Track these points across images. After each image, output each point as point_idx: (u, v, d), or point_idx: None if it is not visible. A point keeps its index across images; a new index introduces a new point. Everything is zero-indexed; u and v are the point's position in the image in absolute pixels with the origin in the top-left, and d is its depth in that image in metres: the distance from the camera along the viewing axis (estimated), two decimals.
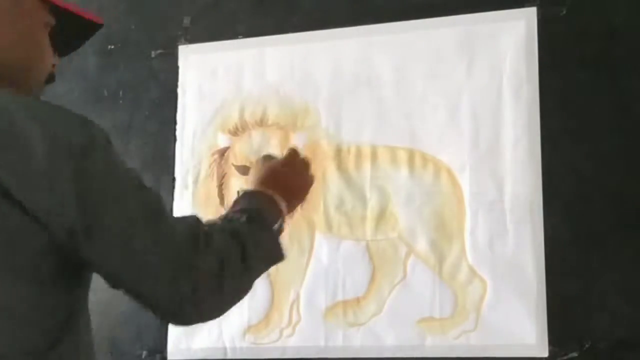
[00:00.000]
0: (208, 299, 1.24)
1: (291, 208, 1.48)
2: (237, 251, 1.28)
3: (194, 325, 2.25)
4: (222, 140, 2.29)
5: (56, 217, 1.11)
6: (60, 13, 1.36)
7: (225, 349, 2.19)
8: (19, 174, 1.10)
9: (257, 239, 1.33)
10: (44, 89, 1.35)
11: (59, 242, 1.13)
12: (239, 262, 1.28)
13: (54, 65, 1.36)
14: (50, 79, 1.36)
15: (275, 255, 1.39)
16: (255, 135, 2.26)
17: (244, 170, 2.23)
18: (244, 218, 1.35)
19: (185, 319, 1.27)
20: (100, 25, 1.44)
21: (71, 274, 1.17)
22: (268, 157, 1.55)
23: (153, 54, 2.41)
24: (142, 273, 1.18)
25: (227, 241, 1.28)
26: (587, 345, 1.93)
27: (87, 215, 1.13)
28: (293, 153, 1.55)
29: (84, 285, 1.23)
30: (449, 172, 2.10)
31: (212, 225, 1.30)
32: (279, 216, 1.42)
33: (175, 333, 2.23)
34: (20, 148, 1.11)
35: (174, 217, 1.26)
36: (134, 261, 1.17)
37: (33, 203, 1.10)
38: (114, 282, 1.21)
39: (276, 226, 1.40)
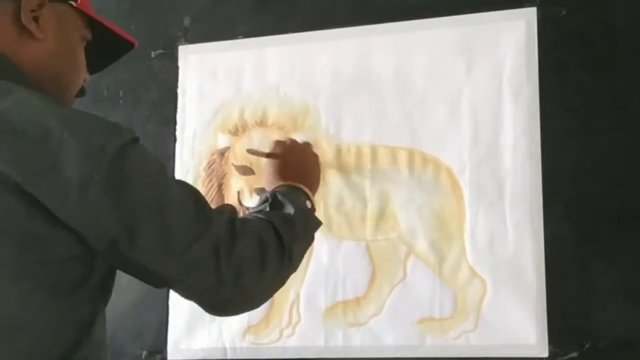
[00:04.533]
0: (252, 285, 1.26)
1: (313, 189, 1.63)
2: (273, 235, 1.32)
3: (197, 324, 2.24)
4: (222, 141, 2.29)
5: (93, 227, 1.10)
6: (95, 29, 1.36)
7: (225, 349, 2.19)
8: (49, 183, 1.07)
9: (287, 219, 1.39)
10: (73, 102, 1.36)
11: (100, 250, 1.12)
12: (277, 246, 1.32)
13: (84, 80, 1.37)
14: (81, 92, 1.37)
15: (313, 224, 1.50)
16: (256, 135, 2.26)
17: (244, 170, 2.23)
18: (267, 207, 1.44)
19: (232, 308, 1.29)
20: (132, 46, 1.46)
21: (94, 283, 1.16)
22: (279, 144, 1.75)
23: (153, 54, 2.41)
24: (187, 267, 1.18)
25: (262, 226, 1.32)
26: (587, 345, 1.93)
27: (125, 221, 1.12)
28: (294, 141, 1.79)
29: (105, 294, 1.23)
30: (449, 172, 2.10)
31: (244, 216, 1.36)
32: (306, 198, 1.53)
33: (175, 333, 2.23)
34: (52, 156, 1.08)
35: (209, 207, 1.26)
36: (178, 257, 1.17)
37: (64, 212, 1.08)
38: (160, 281, 1.21)
39: (306, 204, 1.52)
